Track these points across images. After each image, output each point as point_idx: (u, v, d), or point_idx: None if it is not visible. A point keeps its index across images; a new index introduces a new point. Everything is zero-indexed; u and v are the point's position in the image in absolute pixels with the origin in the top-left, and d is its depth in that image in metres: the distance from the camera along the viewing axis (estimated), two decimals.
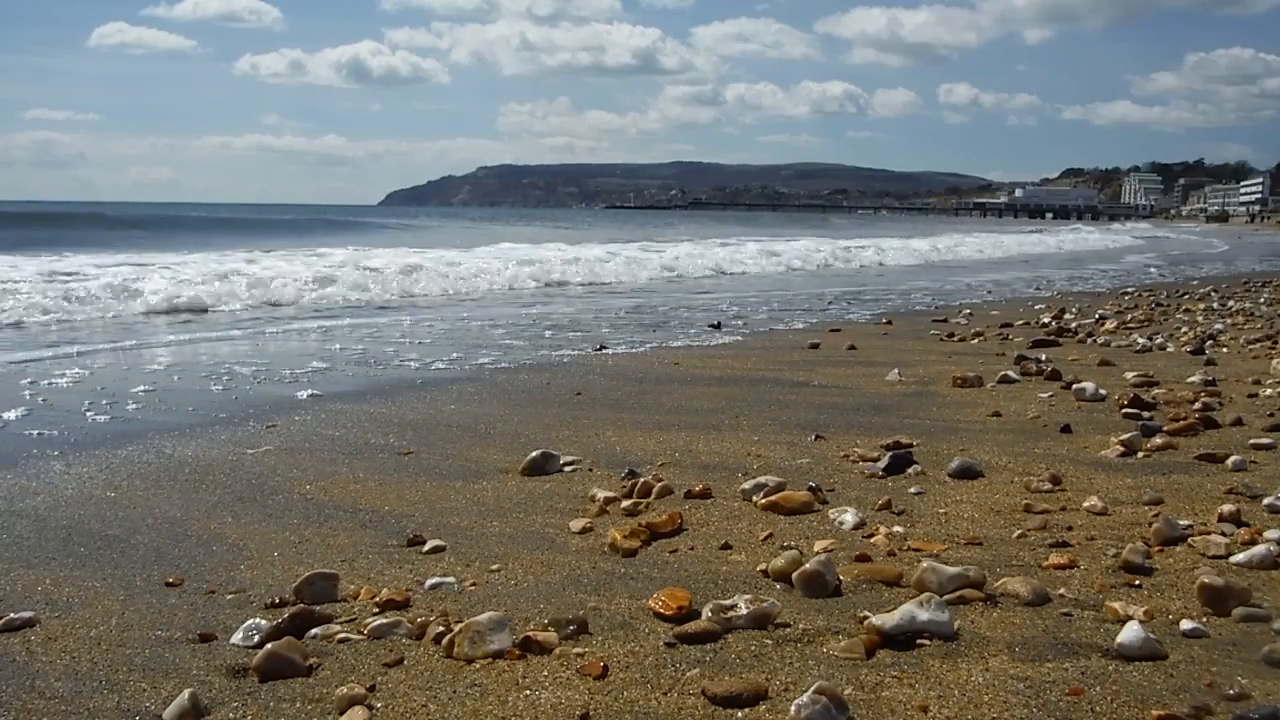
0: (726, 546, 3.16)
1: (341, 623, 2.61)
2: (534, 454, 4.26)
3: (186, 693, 2.18)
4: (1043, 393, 5.76)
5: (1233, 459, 3.99)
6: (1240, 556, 2.90)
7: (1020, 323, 9.89)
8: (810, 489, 3.67)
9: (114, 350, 8.18)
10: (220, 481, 4.11)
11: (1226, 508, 3.31)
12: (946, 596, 2.59)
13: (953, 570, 2.72)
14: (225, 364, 7.31)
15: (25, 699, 2.25)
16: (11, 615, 2.67)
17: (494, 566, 3.05)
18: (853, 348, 8.08)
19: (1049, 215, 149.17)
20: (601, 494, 3.73)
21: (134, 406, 5.67)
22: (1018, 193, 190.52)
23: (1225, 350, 7.59)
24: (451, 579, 2.92)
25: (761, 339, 9.12)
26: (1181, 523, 3.19)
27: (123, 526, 3.52)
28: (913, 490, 3.75)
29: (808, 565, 2.77)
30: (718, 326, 9.96)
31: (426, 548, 3.23)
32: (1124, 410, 5.12)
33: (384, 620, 2.57)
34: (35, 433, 4.97)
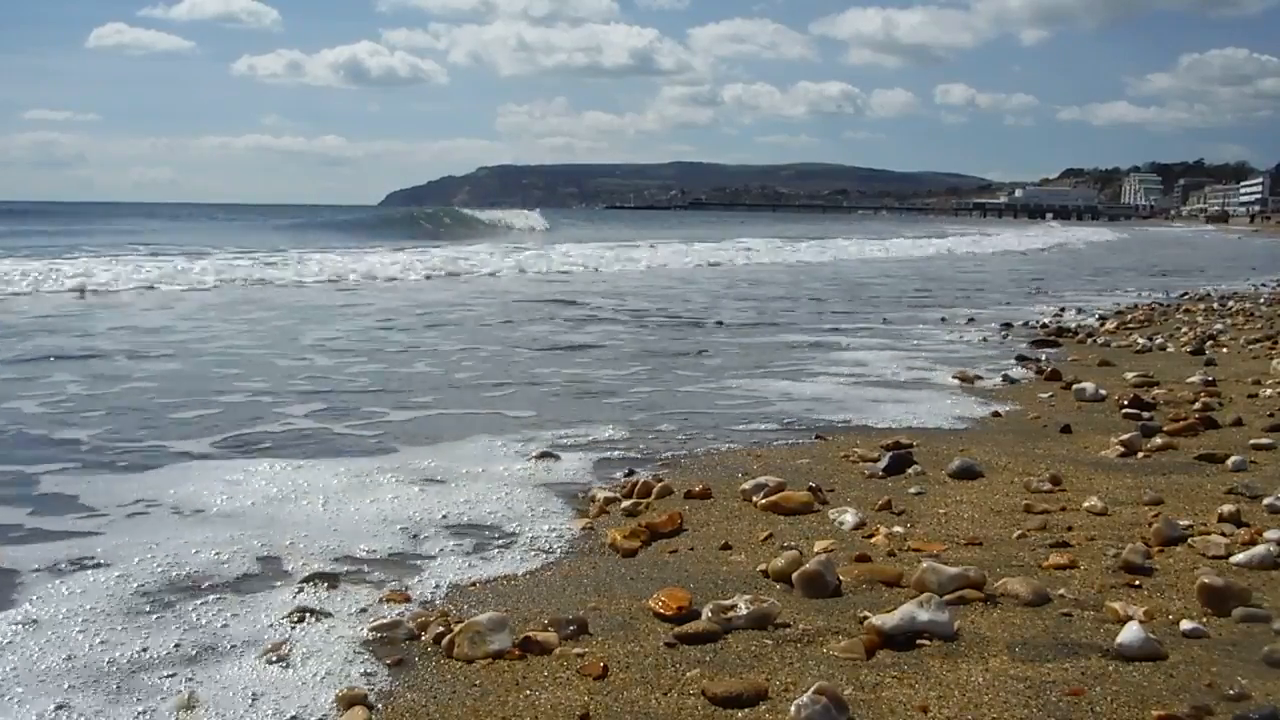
0: (726, 547, 3.15)
1: None
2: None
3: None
4: (1043, 393, 5.76)
5: (1233, 459, 3.99)
6: (1240, 557, 2.89)
7: (1020, 323, 9.89)
8: (810, 489, 3.67)
9: None
10: None
11: (1226, 508, 3.31)
12: (946, 596, 2.59)
13: (953, 570, 2.72)
14: None
15: None
16: None
17: None
18: None
19: (1049, 215, 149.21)
20: (601, 494, 3.73)
21: None
22: (1017, 193, 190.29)
23: (1225, 350, 7.59)
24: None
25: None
26: (1181, 523, 3.19)
27: None
28: (913, 490, 3.75)
29: (808, 565, 2.77)
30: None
31: None
32: (1124, 410, 5.12)
33: (384, 620, 2.57)
34: None
